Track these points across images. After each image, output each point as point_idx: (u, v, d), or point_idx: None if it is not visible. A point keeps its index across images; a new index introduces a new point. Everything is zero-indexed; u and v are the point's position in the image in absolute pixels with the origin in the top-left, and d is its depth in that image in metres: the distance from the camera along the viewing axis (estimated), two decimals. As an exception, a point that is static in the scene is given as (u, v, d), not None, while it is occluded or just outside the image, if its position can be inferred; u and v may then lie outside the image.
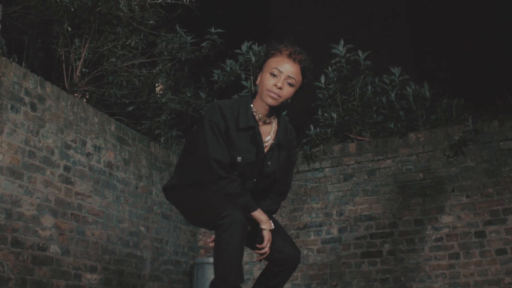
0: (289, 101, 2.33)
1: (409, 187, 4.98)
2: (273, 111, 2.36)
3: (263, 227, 2.28)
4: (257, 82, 2.33)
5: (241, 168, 2.31)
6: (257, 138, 2.32)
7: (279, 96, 2.25)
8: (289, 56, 2.28)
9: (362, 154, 5.26)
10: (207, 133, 2.27)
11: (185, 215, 2.52)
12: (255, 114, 2.34)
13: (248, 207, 2.27)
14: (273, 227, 2.31)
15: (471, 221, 4.68)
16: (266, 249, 2.28)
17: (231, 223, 2.09)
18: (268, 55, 2.33)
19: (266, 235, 2.28)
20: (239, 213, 2.13)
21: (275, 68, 2.26)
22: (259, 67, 2.37)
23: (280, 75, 2.25)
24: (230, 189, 2.25)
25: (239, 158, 2.28)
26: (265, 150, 2.37)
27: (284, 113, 5.61)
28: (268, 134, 2.38)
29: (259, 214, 2.29)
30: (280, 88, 2.24)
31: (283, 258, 2.32)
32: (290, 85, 2.26)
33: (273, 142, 2.38)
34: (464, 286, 4.54)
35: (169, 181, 2.52)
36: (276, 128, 2.41)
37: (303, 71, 2.31)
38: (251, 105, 2.36)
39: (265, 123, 2.38)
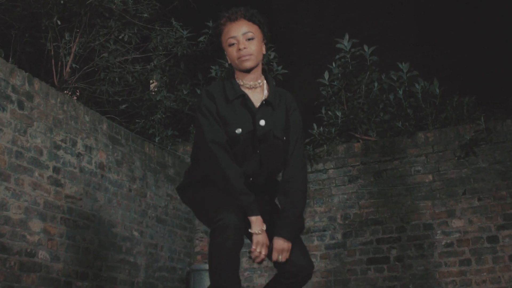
0: (264, 52, 2.46)
1: (418, 189, 4.98)
2: (257, 73, 2.44)
3: (250, 230, 2.26)
4: (229, 62, 2.45)
5: (243, 142, 2.34)
6: (248, 104, 2.39)
7: (250, 54, 2.36)
8: (229, 20, 2.41)
9: (368, 154, 5.26)
10: (200, 119, 2.36)
11: (196, 216, 2.54)
12: (240, 84, 2.44)
13: (247, 209, 2.24)
14: (260, 231, 2.25)
15: (483, 225, 4.68)
16: (256, 253, 2.26)
17: (224, 229, 2.11)
18: (218, 36, 2.46)
19: (254, 239, 2.26)
20: (233, 217, 2.14)
21: (228, 38, 2.38)
22: (222, 51, 2.49)
23: (237, 39, 2.37)
24: (232, 176, 2.25)
25: (238, 130, 2.33)
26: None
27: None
28: (260, 101, 2.44)
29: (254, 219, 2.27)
30: (244, 48, 2.36)
31: (294, 271, 2.30)
32: (251, 39, 2.38)
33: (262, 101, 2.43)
34: (475, 294, 4.55)
35: (181, 182, 2.59)
36: (268, 93, 2.46)
37: (250, 20, 2.42)
38: (235, 78, 2.46)
39: (254, 89, 2.45)
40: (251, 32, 2.38)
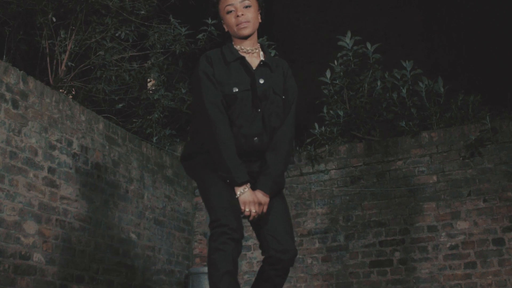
0: (260, 21, 2.62)
1: (422, 190, 4.98)
2: (253, 40, 2.61)
3: (236, 196, 2.39)
4: (226, 30, 2.61)
5: (240, 101, 2.47)
6: (246, 65, 2.55)
7: (248, 21, 2.53)
8: None
9: (370, 155, 5.26)
10: (196, 82, 2.50)
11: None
12: (238, 49, 2.59)
13: (232, 175, 2.35)
14: (242, 191, 2.37)
15: (488, 227, 4.68)
16: (246, 213, 2.37)
17: (223, 234, 2.25)
18: (216, 5, 2.63)
19: (240, 200, 2.38)
20: (233, 221, 2.27)
21: (226, 6, 2.54)
22: (219, 20, 2.68)
23: (235, 7, 2.53)
24: (222, 138, 2.36)
25: (235, 89, 2.47)
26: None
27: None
28: (257, 64, 2.59)
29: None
30: (242, 15, 2.52)
31: (278, 256, 2.40)
32: (248, 7, 2.54)
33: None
34: (481, 298, 4.55)
35: (182, 152, 2.69)
36: (264, 58, 2.63)
37: None
38: (232, 44, 2.62)
39: (252, 54, 2.60)
40: (248, 0, 2.54)
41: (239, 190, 2.37)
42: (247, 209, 2.36)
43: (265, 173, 2.45)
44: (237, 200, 2.37)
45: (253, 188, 2.43)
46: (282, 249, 2.38)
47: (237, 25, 2.52)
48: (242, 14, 2.51)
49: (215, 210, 2.33)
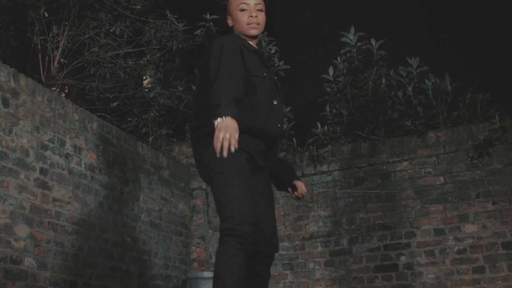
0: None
1: (428, 192, 4.98)
2: (256, 42, 2.87)
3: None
4: (231, 24, 2.83)
5: (265, 87, 2.67)
6: (264, 58, 2.80)
7: (258, 23, 2.78)
8: None
9: (375, 155, 5.26)
10: (219, 55, 2.55)
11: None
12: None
13: (218, 112, 2.29)
14: (224, 120, 2.25)
15: (497, 230, 4.68)
16: (220, 137, 2.22)
17: (236, 243, 2.31)
18: None
19: (217, 127, 2.26)
20: (250, 235, 2.33)
21: (242, 3, 2.77)
22: (225, 12, 2.87)
23: (249, 7, 2.77)
24: (230, 86, 2.40)
25: (264, 73, 2.69)
26: None
27: (288, 109, 5.62)
28: None
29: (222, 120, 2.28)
30: (256, 16, 2.77)
31: (267, 253, 2.61)
32: (260, 10, 2.80)
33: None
34: (490, 304, 4.55)
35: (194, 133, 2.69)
36: None
37: None
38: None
39: None
40: (261, 4, 2.80)
41: (220, 118, 2.26)
42: (221, 134, 2.20)
43: (291, 169, 2.90)
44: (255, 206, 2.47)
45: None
46: (271, 245, 2.62)
47: (248, 23, 2.75)
48: (256, 16, 2.76)
49: (235, 218, 2.32)
